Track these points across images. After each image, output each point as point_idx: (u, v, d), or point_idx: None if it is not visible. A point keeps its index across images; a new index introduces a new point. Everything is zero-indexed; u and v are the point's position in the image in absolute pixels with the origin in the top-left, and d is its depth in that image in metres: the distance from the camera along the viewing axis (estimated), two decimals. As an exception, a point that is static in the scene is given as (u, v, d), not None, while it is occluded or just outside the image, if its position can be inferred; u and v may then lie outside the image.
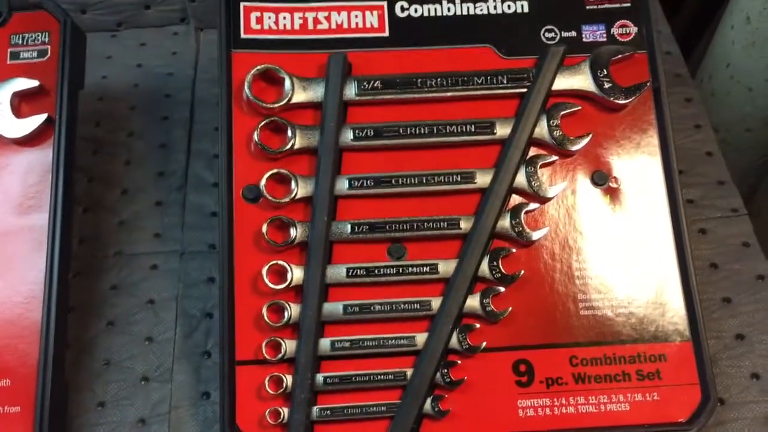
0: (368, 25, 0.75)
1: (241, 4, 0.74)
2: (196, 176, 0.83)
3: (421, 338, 0.66)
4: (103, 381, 0.70)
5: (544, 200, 0.70)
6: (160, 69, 0.94)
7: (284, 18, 0.74)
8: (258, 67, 0.70)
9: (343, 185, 0.69)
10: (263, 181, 0.68)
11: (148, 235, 0.79)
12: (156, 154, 0.85)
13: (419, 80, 0.72)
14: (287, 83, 0.70)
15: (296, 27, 0.74)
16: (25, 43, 0.75)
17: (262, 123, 0.69)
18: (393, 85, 0.72)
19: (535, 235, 0.69)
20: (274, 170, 0.68)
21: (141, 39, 0.97)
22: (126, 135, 0.86)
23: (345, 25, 0.74)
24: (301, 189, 0.68)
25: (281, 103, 0.70)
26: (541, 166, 0.70)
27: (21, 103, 0.72)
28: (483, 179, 0.70)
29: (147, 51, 0.96)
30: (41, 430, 0.63)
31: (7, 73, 0.73)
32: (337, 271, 0.67)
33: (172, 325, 0.73)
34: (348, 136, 0.70)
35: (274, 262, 0.66)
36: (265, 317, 0.65)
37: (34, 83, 0.72)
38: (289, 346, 0.65)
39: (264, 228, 0.67)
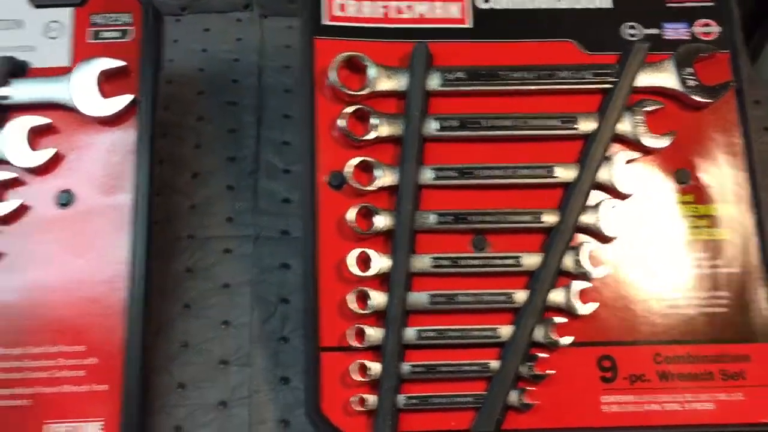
0: (450, 16, 0.75)
1: (324, -9, 0.74)
2: (266, 162, 0.83)
3: (503, 330, 0.66)
4: (182, 363, 0.70)
5: (625, 196, 0.71)
6: (225, 55, 0.93)
7: (366, 6, 0.74)
8: (343, 54, 0.70)
9: (427, 175, 0.69)
10: (349, 169, 0.68)
11: (221, 219, 0.79)
12: (225, 138, 0.85)
13: (503, 73, 0.72)
14: (372, 71, 0.70)
15: (378, 15, 0.74)
16: (106, 23, 0.75)
17: (349, 110, 0.69)
18: (476, 77, 0.72)
19: (618, 232, 0.69)
20: (361, 158, 0.69)
21: (205, 24, 0.97)
22: (195, 119, 0.86)
23: (427, 15, 0.75)
24: (385, 177, 0.69)
25: (366, 91, 0.70)
26: (626, 163, 0.70)
27: (104, 83, 0.73)
28: (566, 174, 0.70)
29: (211, 36, 0.96)
30: (128, 409, 0.63)
31: (90, 52, 0.73)
32: (422, 261, 0.67)
33: (248, 310, 0.74)
34: (432, 126, 0.70)
35: (360, 249, 0.66)
36: (352, 305, 0.65)
37: (120, 63, 0.72)
38: (372, 333, 0.65)
39: (352, 215, 0.67)
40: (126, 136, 0.71)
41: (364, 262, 0.67)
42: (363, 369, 0.64)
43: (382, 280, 0.67)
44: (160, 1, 0.96)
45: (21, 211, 0.69)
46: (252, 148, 0.85)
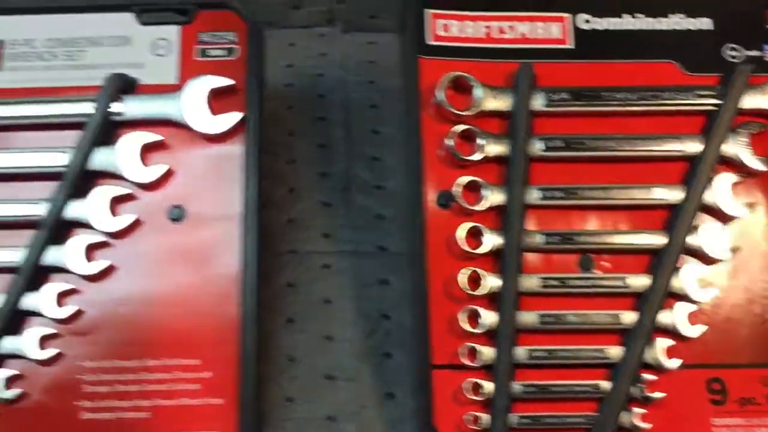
0: (552, 36, 0.75)
1: (428, 12, 0.75)
2: (358, 178, 0.84)
3: (612, 351, 0.67)
4: (289, 376, 0.71)
5: (730, 218, 0.71)
6: (311, 70, 0.95)
7: (469, 26, 0.75)
8: (451, 74, 0.71)
9: (534, 195, 0.70)
10: (458, 188, 0.69)
11: (317, 234, 0.80)
12: (316, 154, 0.86)
13: (606, 93, 0.72)
14: (478, 91, 0.71)
15: (481, 35, 0.75)
16: (212, 41, 0.76)
17: (458, 130, 0.70)
18: (580, 98, 0.72)
19: (724, 255, 0.69)
20: (469, 178, 0.69)
21: (289, 39, 0.98)
22: (286, 134, 0.87)
23: (529, 35, 0.75)
24: (493, 197, 0.70)
25: (473, 111, 0.71)
26: (733, 186, 0.71)
27: (212, 100, 0.74)
28: (671, 195, 0.70)
29: (296, 51, 0.97)
30: (244, 422, 0.64)
31: (197, 70, 0.74)
32: (531, 281, 0.68)
33: (351, 325, 0.75)
34: (537, 146, 0.71)
35: (471, 269, 0.67)
36: (464, 324, 0.66)
37: (229, 81, 0.73)
38: (485, 352, 0.66)
39: (461, 234, 0.68)
40: (233, 152, 0.72)
41: (473, 281, 0.68)
42: (476, 388, 0.65)
43: (490, 299, 0.68)
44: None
45: (134, 225, 0.71)
46: (343, 163, 0.86)
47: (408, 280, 0.77)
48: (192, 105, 0.72)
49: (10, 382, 0.66)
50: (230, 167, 0.72)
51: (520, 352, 0.66)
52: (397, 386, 0.71)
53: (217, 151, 0.73)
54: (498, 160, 0.71)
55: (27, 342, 0.66)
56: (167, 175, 0.71)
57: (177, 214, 0.71)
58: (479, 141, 0.70)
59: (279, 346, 0.73)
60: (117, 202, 0.71)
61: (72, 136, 0.72)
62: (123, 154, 0.71)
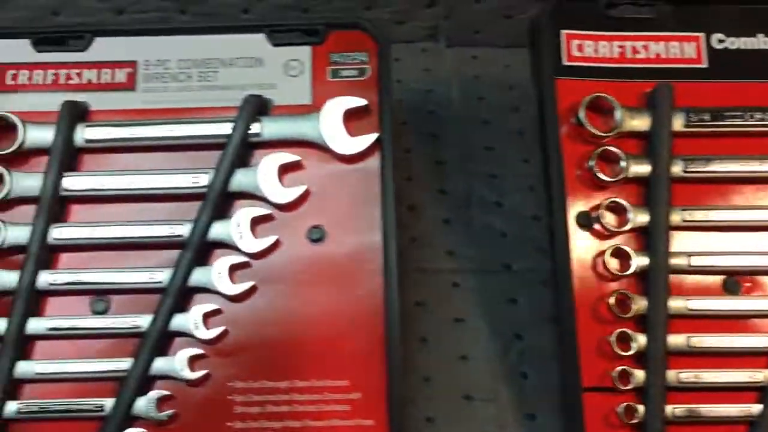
0: (686, 56, 0.75)
1: (563, 32, 0.75)
2: (477, 196, 0.85)
3: (762, 375, 0.67)
4: (426, 397, 0.72)
5: None
6: (418, 85, 0.95)
7: (603, 46, 0.75)
8: (592, 95, 0.71)
9: (676, 217, 0.70)
10: (602, 209, 0.69)
11: (441, 252, 0.81)
12: (433, 171, 0.86)
13: (745, 114, 0.72)
14: (618, 112, 0.71)
15: (615, 55, 0.75)
16: (344, 61, 0.77)
17: (599, 151, 0.70)
18: (720, 117, 0.72)
19: None
20: (612, 198, 0.69)
21: (395, 54, 0.98)
22: (403, 151, 0.88)
23: (663, 55, 0.75)
24: (637, 218, 0.69)
25: (614, 132, 0.71)
26: None
27: (346, 121, 0.75)
28: (814, 216, 0.70)
29: (402, 66, 0.97)
30: (395, 445, 0.65)
31: (330, 90, 0.75)
32: (680, 304, 0.68)
33: (484, 345, 0.75)
34: (678, 167, 0.71)
35: (621, 290, 0.67)
36: (615, 346, 0.66)
37: (362, 102, 0.73)
38: (637, 375, 0.66)
39: (608, 256, 0.68)
40: (369, 172, 0.72)
41: (622, 302, 0.68)
42: (631, 411, 0.65)
43: (636, 321, 0.68)
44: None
45: (274, 245, 0.71)
46: (461, 181, 0.86)
47: (536, 299, 0.78)
48: (329, 126, 0.72)
49: (161, 403, 0.67)
50: (367, 187, 0.72)
51: (671, 375, 0.66)
52: (536, 407, 0.72)
53: (353, 171, 0.73)
54: (635, 180, 0.71)
55: (178, 363, 0.67)
56: (304, 195, 0.72)
57: (317, 235, 0.72)
58: (621, 162, 0.70)
59: (414, 366, 0.74)
60: (256, 223, 0.72)
61: (205, 157, 0.73)
62: (264, 175, 0.72)
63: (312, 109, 0.74)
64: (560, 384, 0.73)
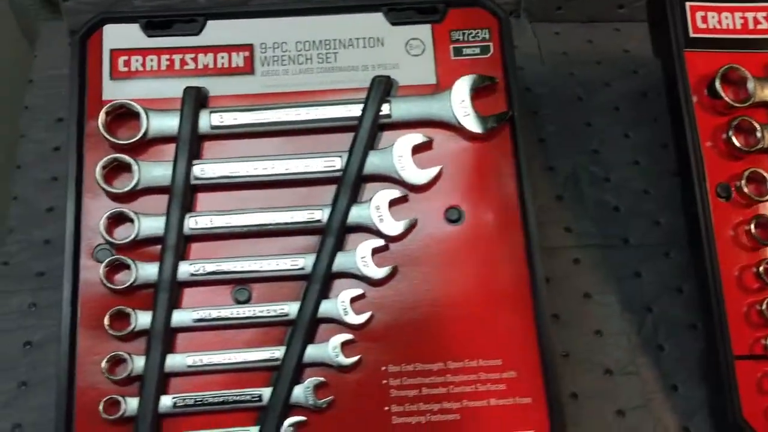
0: (808, 25, 0.76)
1: (687, 4, 0.75)
2: (586, 171, 0.85)
3: None
4: (569, 373, 0.72)
5: None
6: (508, 62, 0.95)
7: (726, 17, 0.75)
8: (725, 66, 0.71)
9: (812, 184, 0.71)
10: (742, 180, 0.70)
11: (560, 229, 0.81)
12: (536, 147, 0.86)
13: None
14: (751, 83, 0.72)
15: (737, 26, 0.75)
16: (465, 39, 0.76)
17: (735, 121, 0.71)
18: None
19: None
20: (752, 168, 0.70)
21: (479, 32, 0.98)
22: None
23: (784, 24, 0.76)
24: (775, 189, 0.70)
25: (747, 103, 0.71)
26: None
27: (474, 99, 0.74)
28: None
29: (488, 44, 0.96)
30: (555, 420, 0.65)
31: (454, 69, 0.74)
32: (824, 270, 0.69)
33: (617, 319, 0.75)
34: (811, 135, 0.72)
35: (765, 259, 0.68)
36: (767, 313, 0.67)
37: (494, 79, 0.73)
38: (784, 342, 0.67)
39: (751, 226, 0.69)
40: (501, 150, 0.72)
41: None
42: (786, 376, 0.66)
43: (779, 290, 0.69)
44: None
45: (412, 227, 0.70)
46: (566, 157, 0.86)
47: (659, 271, 0.78)
48: (461, 105, 0.72)
49: (317, 390, 0.66)
50: (500, 165, 0.72)
51: (821, 339, 0.68)
52: (678, 378, 0.73)
53: (484, 149, 0.73)
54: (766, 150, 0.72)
55: (331, 349, 0.67)
56: (438, 175, 0.71)
57: (455, 215, 0.71)
58: (757, 132, 0.71)
59: (551, 342, 0.74)
60: (392, 205, 0.71)
61: (331, 141, 0.72)
62: (399, 156, 0.71)
63: (437, 88, 0.74)
64: (699, 354, 0.74)
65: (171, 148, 0.70)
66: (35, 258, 0.78)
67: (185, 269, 0.68)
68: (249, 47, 0.74)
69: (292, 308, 0.67)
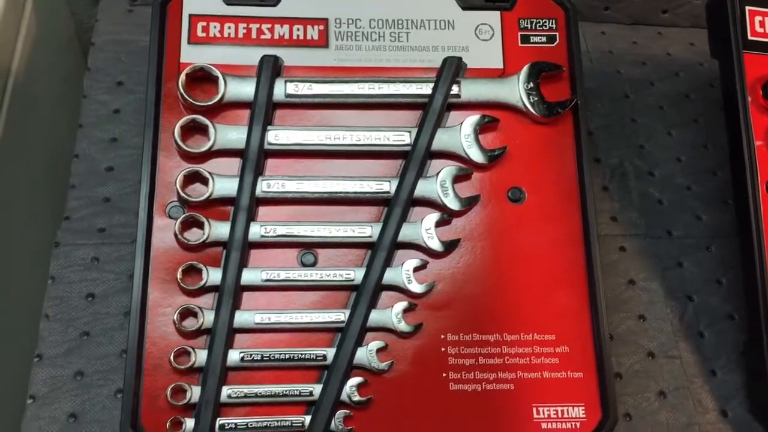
0: None
1: (746, 8, 0.78)
2: (631, 165, 0.88)
3: None
4: (614, 354, 0.75)
5: None
6: (556, 57, 0.97)
7: (780, 23, 0.79)
8: (777, 70, 0.75)
9: None
10: (791, 178, 0.73)
11: (606, 218, 0.84)
12: (586, 141, 0.89)
13: None
14: (804, 87, 0.75)
15: (791, 32, 0.79)
16: (533, 27, 0.78)
17: (788, 122, 0.74)
18: None
19: None
20: (802, 168, 0.74)
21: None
22: (557, 120, 0.90)
23: (834, 33, 0.79)
24: (824, 187, 0.74)
25: (802, 105, 0.75)
26: None
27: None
28: None
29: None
30: (605, 396, 0.68)
31: (521, 56, 0.77)
32: None
33: (659, 306, 0.79)
34: None
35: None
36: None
37: (560, 66, 0.76)
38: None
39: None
40: (563, 136, 0.75)
41: (809, 265, 0.72)
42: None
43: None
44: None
45: (474, 204, 0.73)
46: (613, 150, 0.89)
47: (701, 262, 0.82)
48: (528, 90, 0.75)
49: (380, 353, 0.68)
50: (561, 150, 0.75)
51: None
52: (716, 363, 0.76)
53: (548, 133, 0.76)
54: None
55: (394, 315, 0.69)
56: (502, 157, 0.74)
57: (516, 195, 0.74)
58: (809, 133, 0.74)
59: (596, 324, 0.77)
60: (456, 182, 0.73)
61: (401, 117, 0.74)
62: (466, 135, 0.73)
63: (503, 73, 0.76)
64: (736, 342, 0.78)
65: (245, 113, 0.73)
66: (96, 215, 0.80)
67: (256, 230, 0.70)
68: (324, 21, 0.76)
69: (357, 274, 0.70)
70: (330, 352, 0.68)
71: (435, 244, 0.71)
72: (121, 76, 0.88)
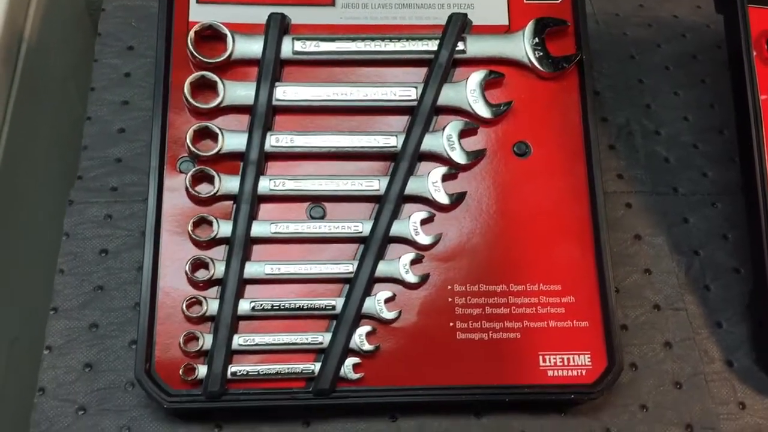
0: None
1: (751, -38, 0.79)
2: (638, 124, 0.88)
3: None
4: (620, 306, 0.76)
5: None
6: (563, 19, 0.98)
7: (786, -24, 0.79)
8: (784, 24, 0.75)
9: None
10: (797, 131, 0.74)
11: (612, 176, 0.84)
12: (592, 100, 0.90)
13: None
14: (809, 40, 0.75)
15: (795, -13, 0.79)
16: (539, -16, 0.79)
17: (794, 75, 0.74)
18: None
19: None
20: (808, 121, 0.74)
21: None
22: (562, 80, 0.91)
23: (840, -14, 0.79)
24: (826, 140, 0.74)
25: (806, 58, 0.75)
26: None
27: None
28: None
29: (545, 1, 1.00)
30: (611, 344, 0.69)
31: (524, 12, 0.77)
32: None
33: (667, 260, 0.79)
34: None
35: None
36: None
37: (565, 22, 0.76)
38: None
39: (807, 175, 0.73)
40: (569, 91, 0.76)
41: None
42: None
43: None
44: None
45: (481, 158, 0.74)
46: (619, 110, 0.89)
47: (706, 218, 0.82)
48: (533, 45, 0.75)
49: (387, 303, 0.70)
50: (567, 106, 0.76)
51: None
52: (722, 315, 0.77)
53: (553, 89, 0.76)
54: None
55: (402, 266, 0.70)
56: (508, 111, 0.75)
57: (522, 149, 0.74)
58: (812, 87, 0.74)
59: (603, 278, 0.78)
60: (462, 136, 0.74)
61: (407, 73, 0.75)
62: (471, 90, 0.74)
63: (508, 30, 0.77)
64: (742, 296, 0.78)
65: (253, 70, 0.74)
66: (108, 174, 0.81)
67: (265, 184, 0.71)
68: (330, -21, 0.78)
69: (365, 226, 0.71)
70: (339, 302, 0.69)
71: (441, 197, 0.72)
72: (132, 41, 0.89)
